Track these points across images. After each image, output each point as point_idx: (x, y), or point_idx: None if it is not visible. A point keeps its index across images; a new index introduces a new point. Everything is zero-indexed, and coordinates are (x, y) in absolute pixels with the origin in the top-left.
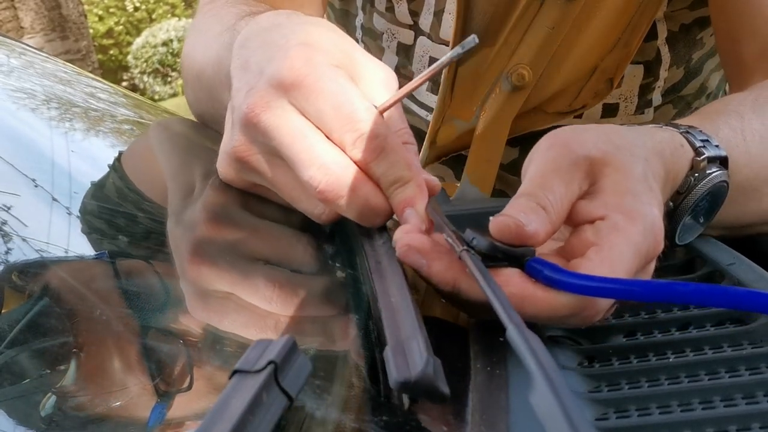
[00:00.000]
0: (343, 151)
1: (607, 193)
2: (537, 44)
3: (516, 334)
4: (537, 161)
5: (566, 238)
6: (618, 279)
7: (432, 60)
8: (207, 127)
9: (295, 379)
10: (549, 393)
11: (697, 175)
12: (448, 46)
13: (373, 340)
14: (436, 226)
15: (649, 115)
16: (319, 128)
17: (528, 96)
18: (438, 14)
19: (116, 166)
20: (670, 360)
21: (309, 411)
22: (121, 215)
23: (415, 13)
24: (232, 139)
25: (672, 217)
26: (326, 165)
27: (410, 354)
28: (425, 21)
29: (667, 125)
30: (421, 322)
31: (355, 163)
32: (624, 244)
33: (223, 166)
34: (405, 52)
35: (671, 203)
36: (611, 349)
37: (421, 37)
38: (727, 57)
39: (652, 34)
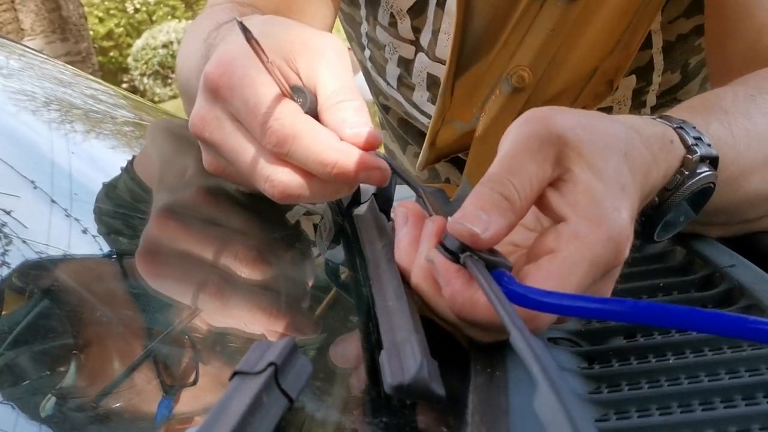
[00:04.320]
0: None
1: (576, 190)
2: (537, 46)
3: (519, 339)
4: (510, 137)
5: (535, 232)
6: (573, 295)
7: (429, 76)
8: None
9: (296, 380)
10: (552, 397)
11: (687, 173)
12: (443, 64)
13: (373, 342)
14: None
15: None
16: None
17: (528, 98)
18: (435, 33)
19: (128, 168)
20: (670, 361)
21: (309, 412)
22: (126, 215)
23: (417, 30)
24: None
25: (656, 212)
26: (272, 177)
27: (404, 357)
28: (425, 38)
29: (660, 118)
30: (419, 324)
31: (273, 155)
32: (579, 254)
33: None
34: (405, 65)
35: (656, 199)
36: (611, 350)
37: (420, 53)
38: (712, 58)
39: (646, 44)
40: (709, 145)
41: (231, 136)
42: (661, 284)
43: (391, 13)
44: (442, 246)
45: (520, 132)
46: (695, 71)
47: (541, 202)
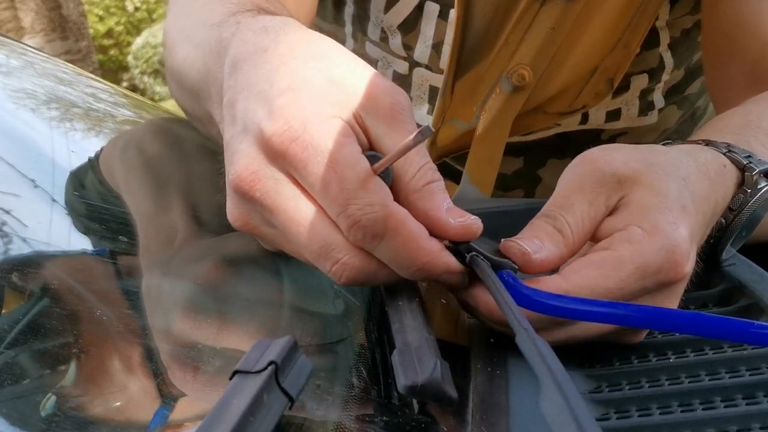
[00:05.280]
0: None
1: (631, 209)
2: (537, 44)
3: (525, 339)
4: (564, 179)
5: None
6: (578, 298)
7: (431, 89)
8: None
9: (296, 379)
10: (559, 399)
11: (749, 191)
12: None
13: (374, 341)
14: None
15: (653, 117)
16: (317, 201)
17: (528, 96)
18: (437, 46)
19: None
20: (671, 360)
21: (309, 411)
22: (121, 215)
23: (408, 47)
24: (228, 207)
25: (724, 233)
26: (345, 262)
27: (418, 358)
28: (420, 53)
29: (707, 145)
30: (429, 325)
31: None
32: (628, 254)
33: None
34: (401, 80)
35: (723, 220)
36: (612, 350)
37: (417, 68)
38: (711, 75)
39: (654, 42)
40: (760, 161)
41: (293, 202)
42: None
43: (382, 28)
44: (447, 248)
45: (573, 173)
46: (698, 67)
47: (596, 234)
